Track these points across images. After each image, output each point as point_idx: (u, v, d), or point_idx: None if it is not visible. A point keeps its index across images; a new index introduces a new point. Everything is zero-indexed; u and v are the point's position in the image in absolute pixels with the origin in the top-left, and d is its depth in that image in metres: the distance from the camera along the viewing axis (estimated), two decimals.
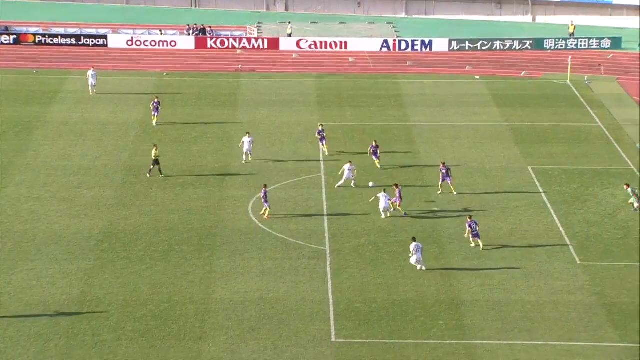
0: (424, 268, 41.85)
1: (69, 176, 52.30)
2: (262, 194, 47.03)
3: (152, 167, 51.84)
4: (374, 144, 53.67)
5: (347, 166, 50.65)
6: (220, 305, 38.95)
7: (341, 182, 50.55)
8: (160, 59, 76.40)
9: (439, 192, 49.38)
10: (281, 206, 48.28)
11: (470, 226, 43.91)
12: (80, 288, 40.12)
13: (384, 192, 46.83)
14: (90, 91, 65.91)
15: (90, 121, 61.25)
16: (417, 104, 65.32)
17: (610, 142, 58.06)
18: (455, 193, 49.40)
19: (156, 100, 60.47)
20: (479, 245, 43.83)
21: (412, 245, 41.86)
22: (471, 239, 43.94)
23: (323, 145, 55.22)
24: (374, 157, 53.19)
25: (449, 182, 49.47)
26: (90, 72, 66.20)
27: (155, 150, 52.13)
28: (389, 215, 46.50)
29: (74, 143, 57.39)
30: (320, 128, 55.82)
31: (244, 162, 53.56)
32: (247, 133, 54.74)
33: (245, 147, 53.88)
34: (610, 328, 37.34)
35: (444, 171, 49.52)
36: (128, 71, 73.08)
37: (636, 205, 47.41)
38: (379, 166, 52.68)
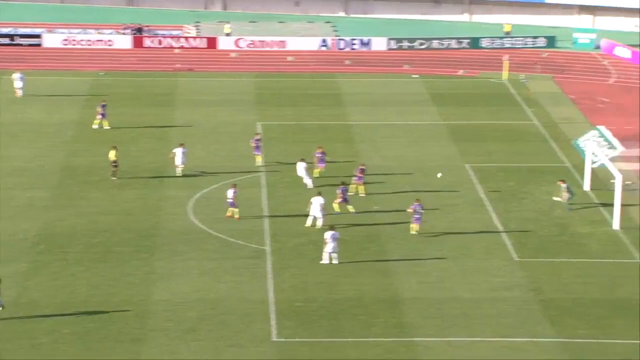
0: (335, 262, 41.91)
1: (3, 177, 51.57)
2: (232, 195, 46.15)
3: (113, 169, 51.06)
4: (319, 150, 51.89)
5: (300, 164, 50.36)
6: (159, 306, 38.74)
7: (309, 181, 50.03)
8: (96, 59, 75.68)
9: (362, 194, 49.09)
10: (221, 206, 48.14)
11: (414, 209, 44.46)
12: (16, 291, 39.56)
13: (319, 194, 45.98)
14: (17, 93, 64.83)
15: (25, 122, 60.46)
16: (355, 102, 65.64)
17: (546, 139, 58.95)
18: (364, 194, 49.20)
19: (103, 104, 59.66)
20: (415, 231, 44.40)
21: (328, 234, 41.88)
22: (412, 223, 44.49)
23: (258, 155, 52.86)
24: (319, 165, 51.33)
25: (357, 181, 49.24)
26: (16, 75, 65.01)
27: (114, 151, 51.36)
28: (318, 225, 45.00)
29: (7, 144, 56.59)
30: (256, 137, 53.81)
31: (178, 174, 51.56)
32: (180, 144, 52.10)
33: (178, 159, 51.33)
34: (547, 323, 37.94)
35: (359, 171, 49.41)
36: (64, 71, 72.28)
37: (564, 198, 48.19)
38: (319, 175, 51.17)
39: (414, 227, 45.09)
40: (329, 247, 41.96)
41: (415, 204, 44.98)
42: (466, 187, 51.38)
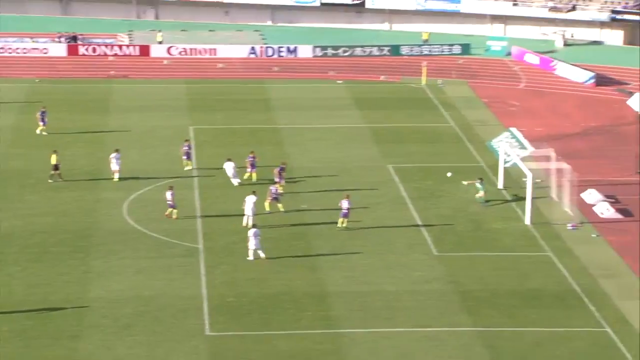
0: (263, 255, 42.01)
1: None
2: (170, 196, 45.71)
3: (52, 172, 50.25)
4: (250, 155, 51.38)
5: (227, 164, 50.27)
6: (96, 303, 38.24)
7: (236, 180, 50.10)
8: (32, 66, 74.38)
9: (281, 191, 48.64)
10: (155, 207, 47.74)
11: (341, 204, 45.15)
12: None
13: (253, 193, 45.94)
14: None
15: None
16: (283, 107, 65.61)
17: (462, 140, 59.64)
18: (282, 192, 49.04)
19: (43, 110, 58.55)
20: (343, 225, 44.96)
21: (250, 232, 42.09)
22: (340, 217, 45.12)
23: (187, 161, 51.93)
24: (250, 169, 50.85)
25: (280, 182, 49.32)
26: None
27: (56, 155, 50.51)
28: (249, 225, 44.54)
29: None
30: (186, 144, 52.83)
31: (115, 179, 50.25)
32: (115, 150, 51.07)
33: (113, 165, 50.17)
34: (464, 314, 38.37)
35: (278, 170, 49.56)
36: (0, 78, 70.81)
37: (479, 195, 49.02)
38: (249, 178, 50.98)
39: (342, 221, 45.37)
40: (252, 244, 41.97)
41: (344, 199, 45.32)
42: (388, 186, 51.72)
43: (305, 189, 50.69)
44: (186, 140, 54.31)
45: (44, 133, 57.96)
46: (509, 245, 44.92)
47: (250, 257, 42.24)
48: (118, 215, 46.90)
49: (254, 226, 42.66)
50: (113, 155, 51.04)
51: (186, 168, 52.47)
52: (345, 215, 45.26)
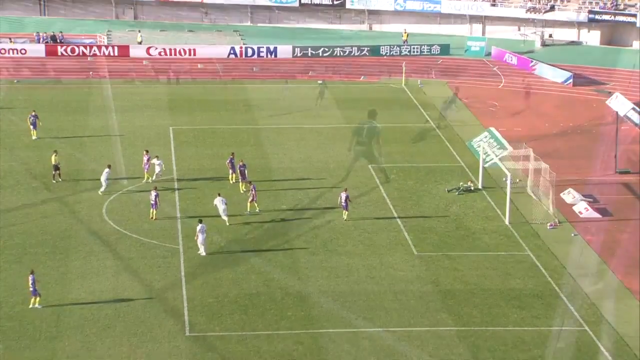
0: (203, 253, 42.13)
1: None
2: (153, 197, 45.57)
3: (54, 172, 50.11)
4: (231, 156, 51.22)
5: (155, 161, 50.44)
6: (75, 305, 38.02)
7: (153, 177, 50.21)
8: (10, 67, 73.90)
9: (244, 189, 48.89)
10: (135, 207, 47.55)
11: (340, 196, 46.52)
12: None
13: (219, 195, 45.96)
14: None
15: None
16: (264, 107, 65.50)
17: (442, 140, 59.76)
18: (242, 191, 49.09)
19: (33, 114, 58.08)
20: (344, 217, 46.19)
21: (198, 227, 42.27)
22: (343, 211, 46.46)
23: (146, 172, 51.00)
24: (231, 171, 50.77)
25: (240, 179, 49.52)
26: None
27: (55, 156, 50.28)
28: (226, 222, 44.95)
29: None
30: (146, 156, 51.19)
31: (100, 192, 48.96)
32: (108, 165, 49.91)
33: (103, 179, 48.93)
34: (445, 313, 38.44)
35: (240, 169, 49.71)
36: None
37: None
38: (232, 181, 50.71)
39: (344, 213, 46.46)
40: (200, 239, 42.12)
41: (343, 193, 46.41)
42: (369, 186, 51.75)
43: (287, 189, 50.60)
44: (146, 152, 52.22)
45: (33, 137, 57.37)
46: (489, 244, 45.05)
47: (202, 252, 42.23)
48: (98, 216, 46.67)
49: (200, 221, 42.58)
50: (105, 170, 49.51)
51: (144, 180, 50.93)
52: (345, 208, 46.32)
